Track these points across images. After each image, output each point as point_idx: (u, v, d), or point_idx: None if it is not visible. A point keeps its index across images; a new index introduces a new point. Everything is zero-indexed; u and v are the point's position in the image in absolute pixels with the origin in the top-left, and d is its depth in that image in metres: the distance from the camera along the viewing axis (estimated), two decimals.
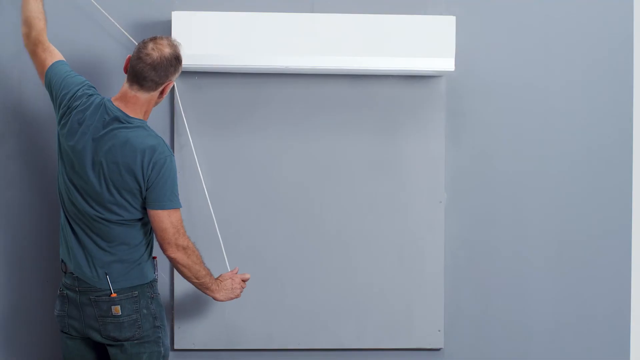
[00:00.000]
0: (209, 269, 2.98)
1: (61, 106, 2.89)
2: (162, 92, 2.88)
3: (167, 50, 2.83)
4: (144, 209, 2.86)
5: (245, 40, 3.12)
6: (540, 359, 3.41)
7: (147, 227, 2.91)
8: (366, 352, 3.35)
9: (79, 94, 2.87)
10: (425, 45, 3.15)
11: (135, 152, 2.80)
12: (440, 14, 3.31)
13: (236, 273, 3.10)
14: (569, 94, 3.39)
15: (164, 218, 2.84)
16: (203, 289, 2.99)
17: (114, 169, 2.80)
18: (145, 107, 2.88)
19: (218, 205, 3.24)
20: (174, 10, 3.15)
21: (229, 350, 3.32)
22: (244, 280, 3.09)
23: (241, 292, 3.08)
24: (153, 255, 2.96)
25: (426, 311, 3.34)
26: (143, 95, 2.85)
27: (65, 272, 2.91)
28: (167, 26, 3.18)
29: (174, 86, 3.24)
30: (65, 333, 2.95)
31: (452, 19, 3.17)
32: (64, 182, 2.87)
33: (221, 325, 3.29)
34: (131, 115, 2.84)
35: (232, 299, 3.06)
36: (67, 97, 2.88)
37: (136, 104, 2.85)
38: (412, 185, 3.33)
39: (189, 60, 3.10)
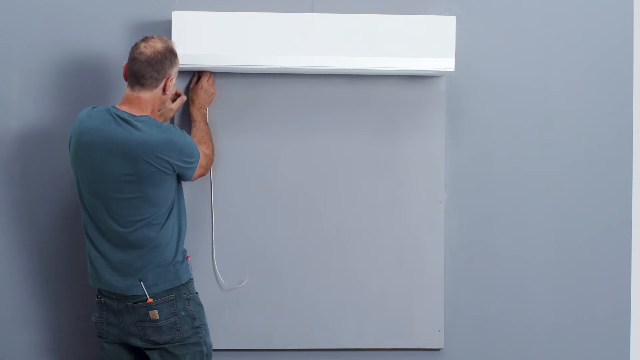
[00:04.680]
0: (203, 131, 3.15)
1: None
2: (164, 89, 2.89)
3: (159, 45, 2.86)
4: (170, 195, 2.89)
5: (245, 40, 3.12)
6: (540, 359, 3.40)
7: (169, 223, 2.89)
8: (366, 352, 3.35)
9: (76, 123, 2.90)
10: (425, 45, 3.15)
11: (152, 148, 2.80)
12: (440, 14, 3.31)
13: (199, 81, 3.20)
14: (569, 94, 3.39)
15: (199, 172, 3.00)
16: None
17: (143, 167, 2.80)
18: (151, 107, 2.89)
19: (218, 204, 3.25)
20: (174, 10, 3.15)
21: (229, 350, 3.31)
22: (207, 80, 3.20)
23: (213, 87, 3.22)
24: (187, 255, 2.98)
25: (426, 311, 3.33)
26: (145, 95, 2.86)
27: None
28: (167, 26, 3.18)
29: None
30: (102, 338, 2.95)
31: (452, 19, 3.17)
32: (89, 205, 2.87)
33: (221, 325, 3.29)
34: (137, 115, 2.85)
35: (212, 97, 3.22)
36: (71, 136, 2.90)
37: (140, 104, 2.86)
38: (412, 185, 3.32)
39: (189, 60, 3.10)
